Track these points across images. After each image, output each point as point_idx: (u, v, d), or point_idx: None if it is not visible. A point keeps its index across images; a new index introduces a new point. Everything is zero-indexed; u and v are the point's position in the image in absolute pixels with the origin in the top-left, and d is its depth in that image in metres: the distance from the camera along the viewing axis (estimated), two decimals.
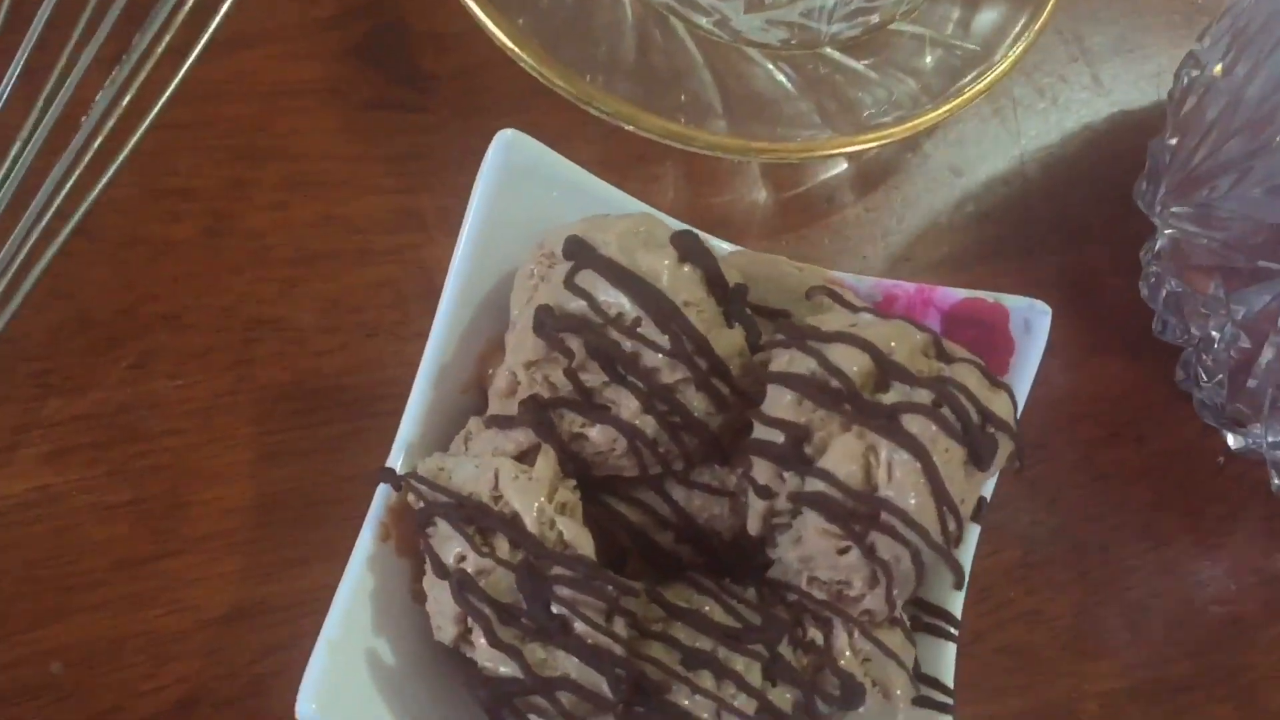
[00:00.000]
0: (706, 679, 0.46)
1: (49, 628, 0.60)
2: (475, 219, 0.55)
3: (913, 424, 0.45)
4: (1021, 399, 0.54)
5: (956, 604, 0.56)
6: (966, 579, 0.50)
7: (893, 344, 0.48)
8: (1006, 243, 0.75)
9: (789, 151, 0.67)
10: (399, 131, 0.70)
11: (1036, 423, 0.69)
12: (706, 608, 0.49)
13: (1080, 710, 0.66)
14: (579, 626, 0.45)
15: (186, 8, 0.65)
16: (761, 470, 0.48)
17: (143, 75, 0.64)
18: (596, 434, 0.50)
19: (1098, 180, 0.77)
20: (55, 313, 0.64)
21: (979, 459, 0.47)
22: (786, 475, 0.48)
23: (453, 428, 0.55)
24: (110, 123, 0.64)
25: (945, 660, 0.55)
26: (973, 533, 0.54)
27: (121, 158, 0.63)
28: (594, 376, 0.50)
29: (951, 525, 0.47)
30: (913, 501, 0.45)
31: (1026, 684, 0.66)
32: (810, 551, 0.47)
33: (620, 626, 0.46)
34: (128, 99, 0.64)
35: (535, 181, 0.55)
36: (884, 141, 0.69)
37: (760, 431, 0.48)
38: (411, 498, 0.51)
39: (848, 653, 0.49)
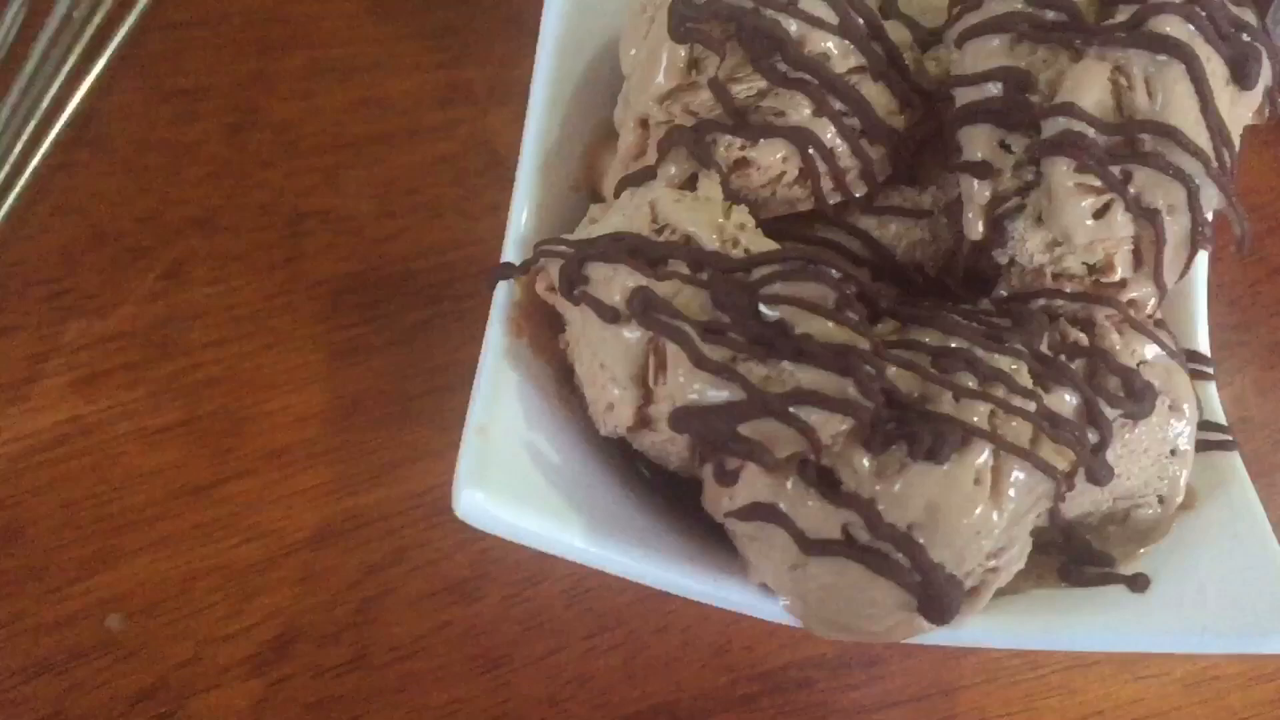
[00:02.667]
0: (968, 381, 0.36)
1: (99, 576, 0.48)
2: None
3: (1165, 25, 0.37)
4: None
5: (1203, 342, 0.47)
6: (1249, 239, 0.40)
7: None
8: None
9: None
10: (430, 6, 0.62)
11: None
12: (943, 313, 0.39)
13: None
14: (805, 325, 0.35)
15: None
16: (977, 142, 0.39)
17: None
18: (761, 154, 0.41)
19: None
20: (64, 230, 0.55)
21: (1243, 70, 0.38)
22: (1011, 138, 0.39)
23: (568, 228, 0.46)
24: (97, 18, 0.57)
25: (1211, 401, 0.45)
26: None
27: (110, 50, 0.56)
28: (748, 85, 0.40)
29: (1225, 155, 0.38)
30: (1181, 115, 0.37)
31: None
32: (1057, 226, 0.38)
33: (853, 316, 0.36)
34: None
35: None
36: None
37: (967, 95, 0.39)
38: (543, 288, 0.41)
39: (1119, 349, 0.39)
